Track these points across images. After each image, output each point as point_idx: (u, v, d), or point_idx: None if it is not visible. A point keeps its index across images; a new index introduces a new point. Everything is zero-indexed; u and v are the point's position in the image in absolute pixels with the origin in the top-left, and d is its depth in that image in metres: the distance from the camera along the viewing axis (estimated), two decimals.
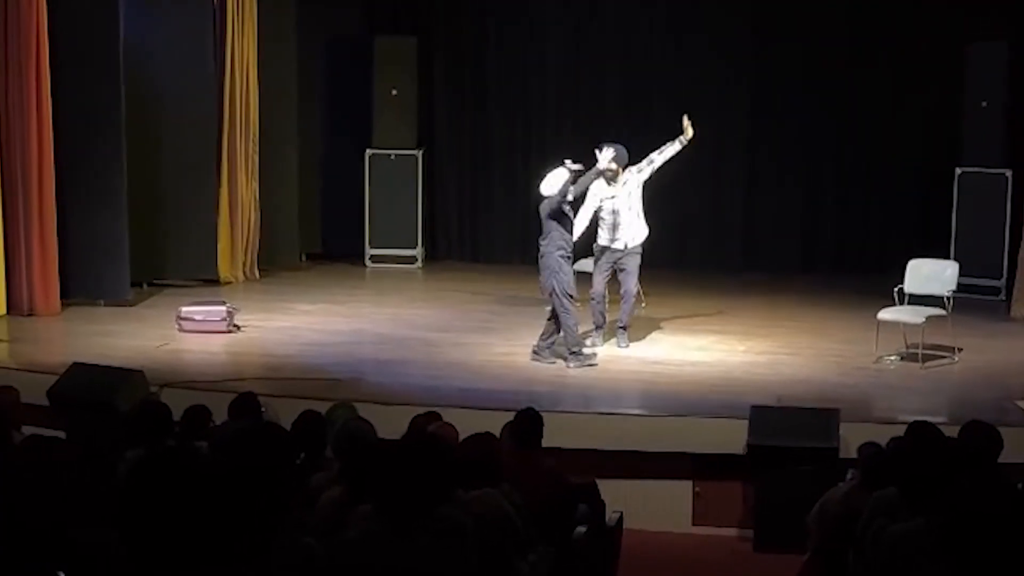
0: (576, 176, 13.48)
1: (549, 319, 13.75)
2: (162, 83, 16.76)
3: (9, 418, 8.68)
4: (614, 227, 14.06)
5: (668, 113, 15.53)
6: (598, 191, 13.97)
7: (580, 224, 14.03)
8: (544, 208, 13.55)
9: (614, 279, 14.31)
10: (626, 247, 14.11)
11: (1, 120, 15.26)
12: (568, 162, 13.66)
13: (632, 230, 14.09)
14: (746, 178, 17.51)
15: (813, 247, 17.14)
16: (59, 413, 10.88)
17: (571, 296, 13.50)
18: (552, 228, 13.54)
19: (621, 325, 14.28)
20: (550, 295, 13.61)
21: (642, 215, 14.14)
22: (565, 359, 13.64)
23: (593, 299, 14.24)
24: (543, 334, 13.77)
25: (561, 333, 13.66)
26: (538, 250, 13.73)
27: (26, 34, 15.11)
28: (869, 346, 13.99)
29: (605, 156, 13.72)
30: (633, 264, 14.14)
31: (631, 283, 14.24)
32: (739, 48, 17.75)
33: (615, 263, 14.17)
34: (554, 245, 13.54)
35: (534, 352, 13.79)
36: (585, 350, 13.76)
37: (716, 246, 16.72)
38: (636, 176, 14.07)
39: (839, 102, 17.32)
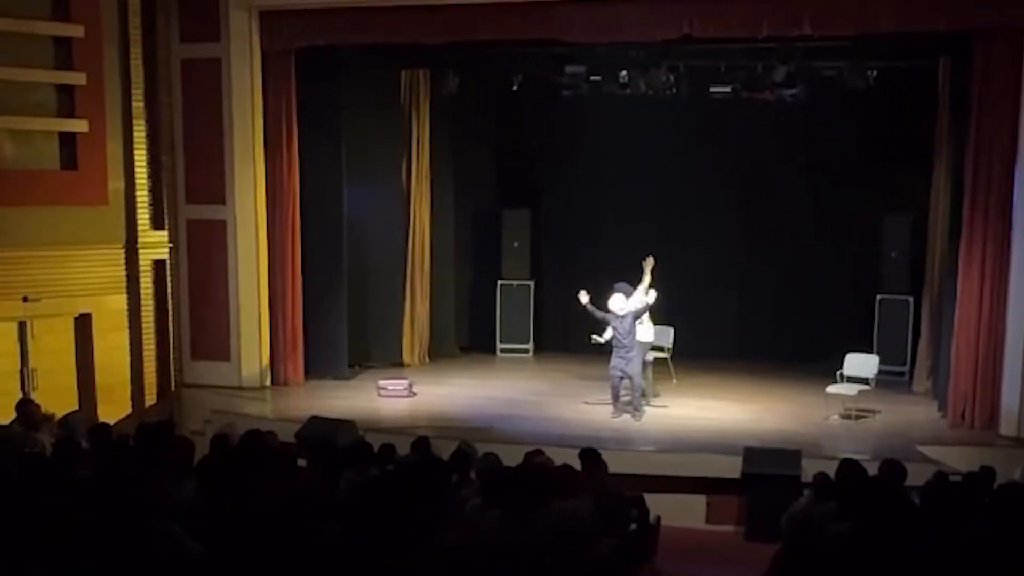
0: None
1: (620, 389, 13.70)
2: (370, 232, 16.77)
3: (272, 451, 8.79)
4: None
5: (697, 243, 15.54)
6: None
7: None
8: (627, 320, 13.47)
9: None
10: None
11: (275, 260, 15.46)
12: (621, 286, 13.77)
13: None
14: (738, 294, 17.21)
15: (784, 342, 16.87)
16: (302, 448, 10.86)
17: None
18: (635, 332, 13.52)
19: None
20: (623, 377, 13.60)
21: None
22: (631, 414, 13.64)
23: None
24: (617, 399, 13.75)
25: (625, 399, 13.67)
26: (614, 343, 13.62)
27: (286, 199, 15.38)
28: (820, 409, 13.89)
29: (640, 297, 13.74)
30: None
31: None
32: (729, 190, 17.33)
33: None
34: (638, 346, 13.58)
35: (616, 409, 13.78)
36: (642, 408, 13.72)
37: (713, 338, 16.39)
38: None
39: (804, 245, 17.02)
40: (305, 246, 15.63)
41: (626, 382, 13.79)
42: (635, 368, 13.64)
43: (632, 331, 13.61)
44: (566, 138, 17.64)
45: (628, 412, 13.78)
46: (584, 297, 13.81)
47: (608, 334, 13.86)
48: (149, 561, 5.16)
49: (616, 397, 13.88)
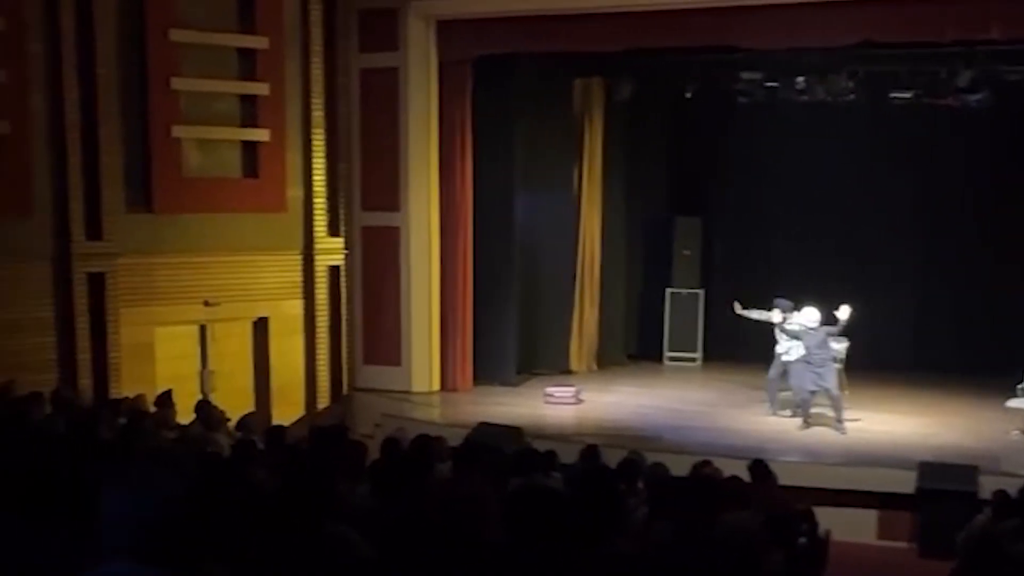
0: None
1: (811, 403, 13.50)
2: (541, 239, 16.89)
3: (441, 456, 8.92)
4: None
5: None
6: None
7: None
8: (820, 333, 13.29)
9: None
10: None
11: (447, 267, 15.70)
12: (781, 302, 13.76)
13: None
14: (915, 304, 16.67)
15: (962, 354, 16.27)
16: (471, 454, 10.90)
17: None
18: (827, 346, 13.34)
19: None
20: (815, 392, 13.39)
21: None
22: (835, 428, 13.37)
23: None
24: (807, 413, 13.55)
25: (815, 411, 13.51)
26: (805, 358, 13.45)
27: (460, 206, 15.60)
28: (999, 424, 13.43)
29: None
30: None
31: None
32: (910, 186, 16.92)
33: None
34: (833, 360, 13.38)
35: (804, 423, 13.55)
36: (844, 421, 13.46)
37: (889, 349, 15.88)
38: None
39: (984, 254, 16.52)
40: (477, 252, 15.84)
41: (813, 396, 13.55)
42: (831, 382, 13.36)
43: (825, 345, 13.37)
44: (740, 145, 17.48)
45: (831, 426, 13.50)
46: (777, 316, 13.71)
47: (755, 314, 14.00)
48: (324, 565, 5.29)
49: (806, 411, 13.63)
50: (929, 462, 11.68)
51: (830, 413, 13.58)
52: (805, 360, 13.48)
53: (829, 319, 13.47)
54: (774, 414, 14.20)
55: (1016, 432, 13.25)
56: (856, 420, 13.72)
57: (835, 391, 13.41)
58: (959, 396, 15.07)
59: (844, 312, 13.23)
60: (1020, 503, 8.00)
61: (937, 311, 16.51)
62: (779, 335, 14.08)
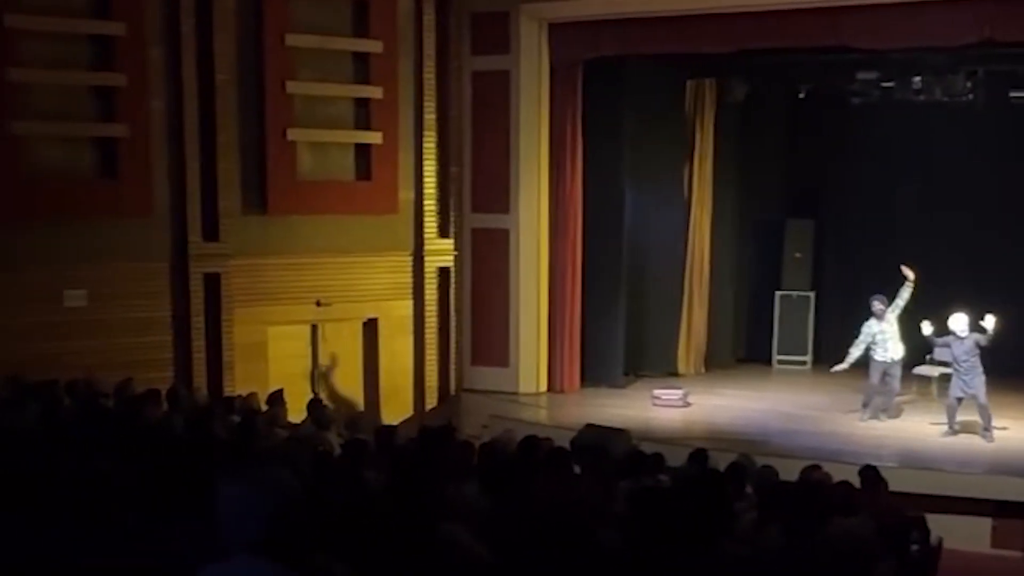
0: None
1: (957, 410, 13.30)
2: (650, 240, 16.86)
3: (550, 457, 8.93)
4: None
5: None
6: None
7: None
8: (968, 341, 13.03)
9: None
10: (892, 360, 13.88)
11: (556, 269, 15.74)
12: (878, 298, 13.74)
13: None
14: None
15: None
16: (577, 455, 10.96)
17: None
18: (976, 354, 13.07)
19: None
20: (962, 399, 13.18)
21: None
22: (982, 434, 13.13)
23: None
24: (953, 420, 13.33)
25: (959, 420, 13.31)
26: (953, 366, 13.27)
27: (569, 209, 15.63)
28: None
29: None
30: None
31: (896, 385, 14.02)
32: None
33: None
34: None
35: (950, 430, 13.33)
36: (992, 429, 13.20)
37: (1006, 353, 15.22)
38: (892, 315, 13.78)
39: None
40: (586, 254, 15.86)
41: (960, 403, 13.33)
42: (979, 389, 13.08)
43: (973, 352, 13.09)
44: (854, 147, 17.21)
45: (979, 434, 13.25)
46: (927, 328, 13.48)
47: (880, 351, 13.81)
48: (438, 565, 5.35)
49: (952, 419, 13.39)
50: None
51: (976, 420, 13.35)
52: (955, 370, 13.26)
53: (942, 328, 13.24)
54: (863, 420, 14.05)
55: None
56: (1004, 428, 13.42)
57: (983, 399, 13.10)
58: None
59: (990, 322, 12.97)
60: None
61: None
62: (874, 336, 13.89)
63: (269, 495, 3.37)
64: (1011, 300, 14.75)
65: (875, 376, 14.06)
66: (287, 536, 3.37)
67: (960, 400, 13.19)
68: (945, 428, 13.34)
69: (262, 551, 3.35)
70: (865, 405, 14.21)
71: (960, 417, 13.33)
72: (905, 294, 13.75)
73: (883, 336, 13.87)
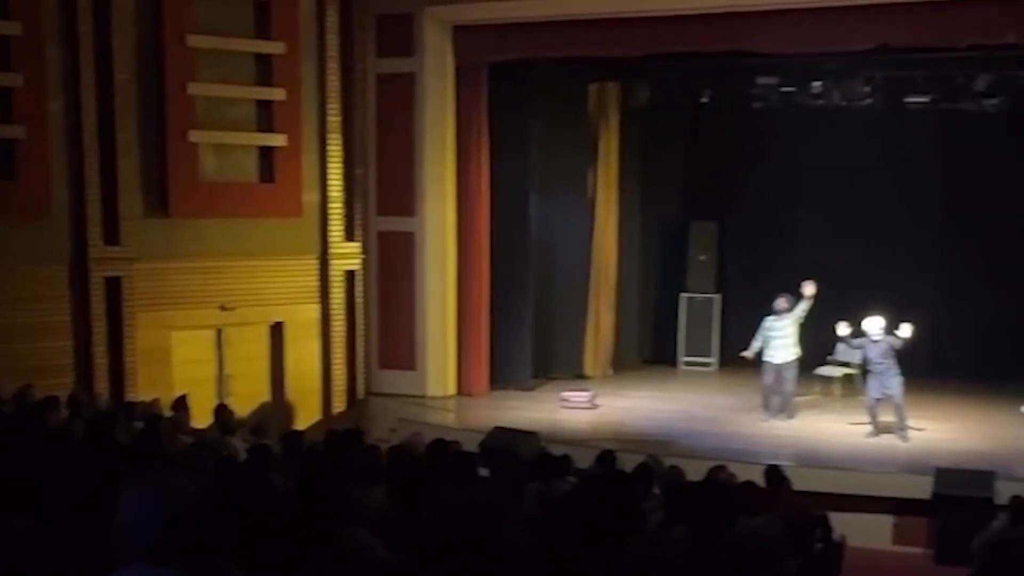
0: None
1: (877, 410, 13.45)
2: (557, 244, 16.90)
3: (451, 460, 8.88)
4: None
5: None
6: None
7: None
8: (883, 344, 13.21)
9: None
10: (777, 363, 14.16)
11: (463, 272, 15.70)
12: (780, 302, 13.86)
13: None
14: (934, 310, 15.94)
15: (981, 360, 16.18)
16: (486, 458, 10.94)
17: None
18: (892, 356, 13.23)
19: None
20: (881, 399, 13.35)
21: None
22: (896, 433, 13.33)
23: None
24: (875, 420, 13.48)
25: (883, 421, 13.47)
26: (869, 367, 13.47)
27: (476, 211, 15.58)
28: (1017, 430, 13.42)
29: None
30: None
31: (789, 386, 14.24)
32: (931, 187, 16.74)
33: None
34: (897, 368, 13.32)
35: (873, 430, 13.48)
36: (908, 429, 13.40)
37: (907, 355, 15.49)
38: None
39: (1003, 260, 16.39)
40: (493, 258, 15.85)
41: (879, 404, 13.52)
42: (896, 391, 13.27)
43: (888, 354, 13.27)
44: (756, 150, 17.42)
45: (893, 434, 13.46)
46: (843, 329, 13.65)
47: (772, 352, 14.06)
48: (343, 569, 5.28)
49: (874, 419, 13.58)
50: (945, 468, 11.64)
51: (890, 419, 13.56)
52: (871, 370, 13.47)
53: (855, 330, 13.50)
54: (764, 421, 14.23)
55: None
56: (921, 430, 13.65)
57: (899, 399, 13.30)
58: (976, 402, 15.02)
59: (906, 330, 13.17)
60: None
61: (955, 317, 16.35)
62: (766, 337, 14.11)
63: (166, 501, 3.28)
64: (908, 301, 15.03)
65: (768, 377, 14.26)
66: (185, 542, 3.30)
67: (879, 400, 13.40)
68: (869, 428, 13.55)
69: (159, 558, 3.27)
70: (765, 406, 14.39)
71: (880, 417, 13.55)
72: (804, 307, 13.93)
73: (773, 335, 14.08)
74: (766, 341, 14.12)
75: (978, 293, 16.54)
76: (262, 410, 11.06)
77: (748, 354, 14.23)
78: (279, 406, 14.63)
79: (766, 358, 14.17)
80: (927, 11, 12.94)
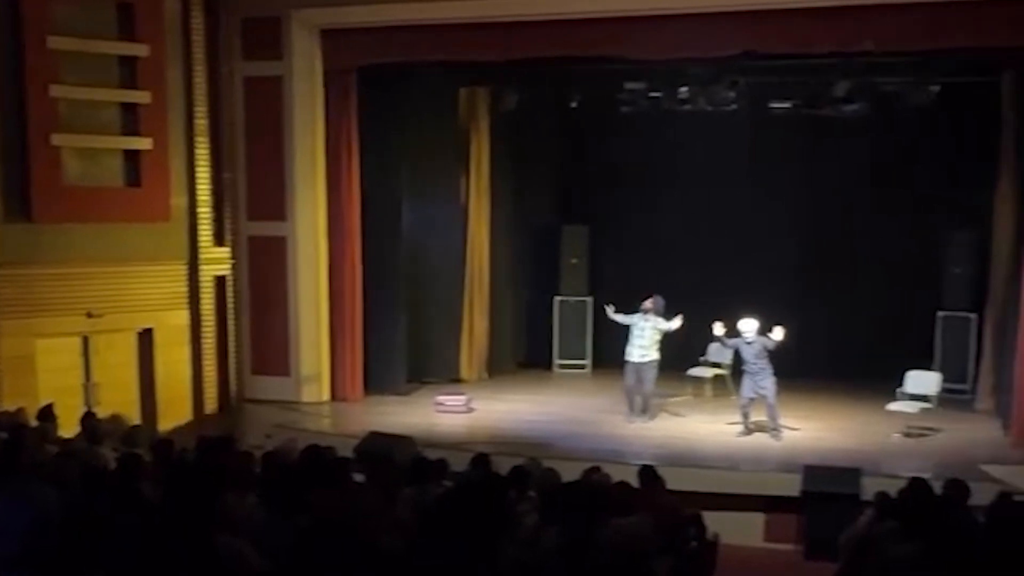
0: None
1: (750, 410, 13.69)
2: (429, 248, 16.88)
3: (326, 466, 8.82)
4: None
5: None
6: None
7: None
8: (756, 344, 13.48)
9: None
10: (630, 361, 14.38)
11: (335, 277, 15.59)
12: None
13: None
14: (798, 311, 15.99)
15: (845, 360, 16.57)
16: (361, 463, 10.81)
17: None
18: (765, 357, 13.50)
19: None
20: (754, 399, 13.58)
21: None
22: (769, 432, 13.58)
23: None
24: (771, 417, 13.67)
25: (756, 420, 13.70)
26: (743, 368, 13.73)
27: (347, 216, 15.48)
28: (881, 427, 13.79)
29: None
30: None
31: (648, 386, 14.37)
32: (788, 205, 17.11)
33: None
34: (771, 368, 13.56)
35: (745, 429, 13.74)
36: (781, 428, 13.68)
37: (773, 355, 15.72)
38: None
39: (865, 261, 16.92)
40: (365, 262, 15.76)
41: (752, 403, 13.76)
42: (769, 391, 13.53)
43: (762, 355, 13.53)
44: (625, 155, 17.60)
45: (766, 433, 13.71)
46: (718, 329, 13.78)
47: (631, 350, 14.26)
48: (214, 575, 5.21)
49: (747, 418, 13.80)
50: (813, 465, 11.88)
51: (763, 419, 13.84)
52: (745, 371, 13.70)
53: (731, 330, 13.74)
54: (629, 422, 14.40)
55: (897, 435, 13.60)
56: (796, 429, 13.94)
57: (772, 399, 13.55)
58: (843, 401, 15.42)
59: (778, 333, 13.42)
60: (900, 505, 8.17)
61: (819, 317, 16.64)
62: (634, 335, 14.29)
63: (27, 511, 3.22)
64: (774, 302, 15.37)
65: (629, 378, 14.41)
66: (47, 552, 3.23)
67: (752, 400, 13.65)
68: (742, 428, 13.79)
69: (20, 567, 3.20)
70: (628, 407, 14.55)
71: (753, 416, 13.81)
72: (672, 325, 14.07)
73: (634, 334, 14.26)
74: (629, 338, 14.30)
75: (838, 294, 16.95)
76: (121, 418, 10.80)
77: (609, 311, 14.42)
78: (146, 414, 14.35)
79: (626, 356, 14.32)
80: (789, 19, 13.25)
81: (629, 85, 15.80)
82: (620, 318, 14.36)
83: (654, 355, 14.24)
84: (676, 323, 13.83)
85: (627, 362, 14.35)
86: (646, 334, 14.20)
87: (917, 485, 8.38)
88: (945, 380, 14.51)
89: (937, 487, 8.56)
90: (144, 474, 8.05)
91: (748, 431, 13.74)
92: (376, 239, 15.84)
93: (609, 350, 17.43)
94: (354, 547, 5.61)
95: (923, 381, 14.05)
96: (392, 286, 16.07)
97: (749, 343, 13.57)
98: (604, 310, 14.58)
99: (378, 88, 15.54)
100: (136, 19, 14.20)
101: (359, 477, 8.84)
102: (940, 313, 16.01)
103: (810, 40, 13.32)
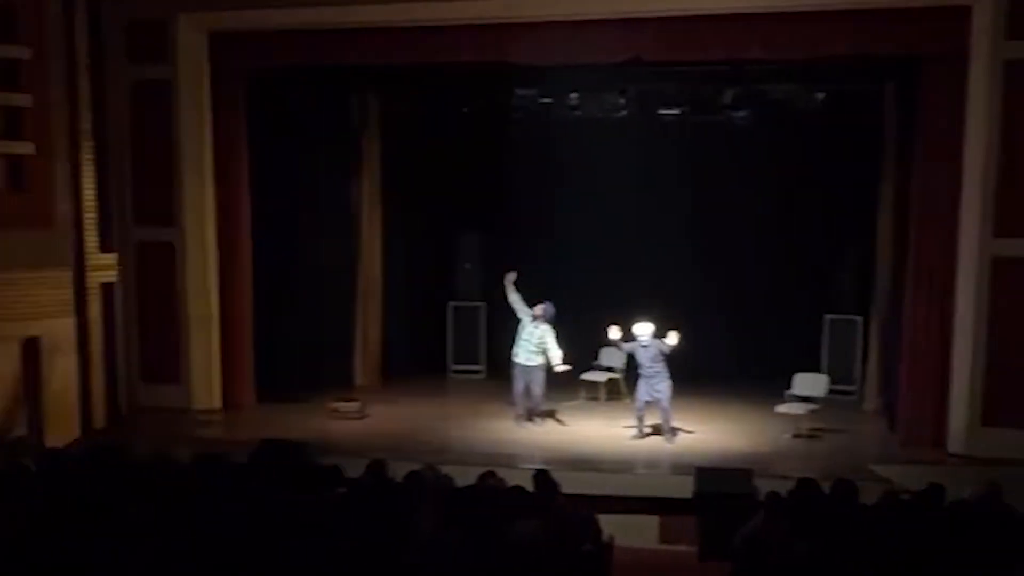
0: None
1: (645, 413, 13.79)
2: (322, 254, 16.71)
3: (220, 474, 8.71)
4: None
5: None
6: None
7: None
8: (655, 347, 13.58)
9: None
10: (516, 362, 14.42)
11: (226, 282, 15.36)
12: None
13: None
14: (689, 315, 15.95)
15: (735, 363, 16.80)
16: (256, 472, 10.71)
17: None
18: (661, 361, 13.62)
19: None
20: (649, 402, 13.67)
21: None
22: (664, 435, 13.70)
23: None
24: (665, 420, 13.78)
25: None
26: (639, 371, 13.79)
27: (237, 221, 15.27)
28: (772, 429, 14.03)
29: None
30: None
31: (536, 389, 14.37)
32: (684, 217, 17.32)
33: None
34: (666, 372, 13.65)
35: (639, 432, 13.86)
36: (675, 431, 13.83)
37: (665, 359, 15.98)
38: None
39: (753, 266, 17.18)
40: (257, 268, 15.56)
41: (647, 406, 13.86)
42: (664, 394, 13.64)
43: (657, 359, 13.64)
44: (518, 160, 17.64)
45: (661, 436, 13.83)
46: (614, 333, 13.83)
47: (518, 351, 14.26)
48: None
49: (641, 422, 13.89)
50: (705, 467, 11.95)
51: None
52: (641, 374, 13.78)
53: (627, 334, 13.84)
54: (520, 426, 14.44)
55: (787, 436, 13.84)
56: (691, 432, 14.08)
57: (666, 403, 13.67)
58: (735, 403, 15.62)
59: (673, 337, 13.57)
60: (791, 505, 8.33)
61: (712, 321, 16.75)
62: (523, 337, 14.33)
63: None
64: (666, 306, 15.56)
65: (518, 382, 14.42)
66: None
67: (648, 403, 13.77)
68: (636, 431, 13.90)
69: None
70: (518, 412, 14.56)
71: (648, 420, 13.94)
72: (530, 326, 14.21)
73: (523, 338, 14.29)
74: (516, 340, 14.33)
75: (730, 299, 17.14)
76: (6, 428, 10.53)
77: (509, 284, 14.42)
78: (32, 424, 13.99)
79: (514, 357, 14.35)
80: (676, 25, 13.38)
81: (520, 91, 15.87)
82: (516, 299, 14.31)
83: (541, 359, 14.27)
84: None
85: (515, 364, 14.35)
86: (533, 339, 14.22)
87: (806, 485, 8.55)
88: (833, 382, 14.86)
89: (826, 487, 8.73)
90: (30, 486, 7.87)
91: (643, 434, 13.87)
92: (269, 245, 15.66)
93: (504, 355, 17.47)
94: (250, 554, 5.54)
95: (811, 383, 14.35)
96: (285, 292, 15.92)
97: (645, 347, 13.69)
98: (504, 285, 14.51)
99: (269, 92, 15.36)
100: (17, 21, 13.81)
101: (253, 484, 8.73)
102: (828, 316, 16.36)
103: (697, 47, 13.49)
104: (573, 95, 15.68)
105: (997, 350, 12.83)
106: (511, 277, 14.31)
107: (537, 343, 14.21)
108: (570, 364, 14.18)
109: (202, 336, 15.23)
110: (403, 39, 14.06)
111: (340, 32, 14.24)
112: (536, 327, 14.18)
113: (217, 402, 15.34)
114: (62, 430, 13.97)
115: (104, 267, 14.84)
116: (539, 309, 14.21)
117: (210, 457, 8.87)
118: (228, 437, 13.77)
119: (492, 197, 18.14)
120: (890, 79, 14.83)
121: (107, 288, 14.91)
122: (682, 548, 11.73)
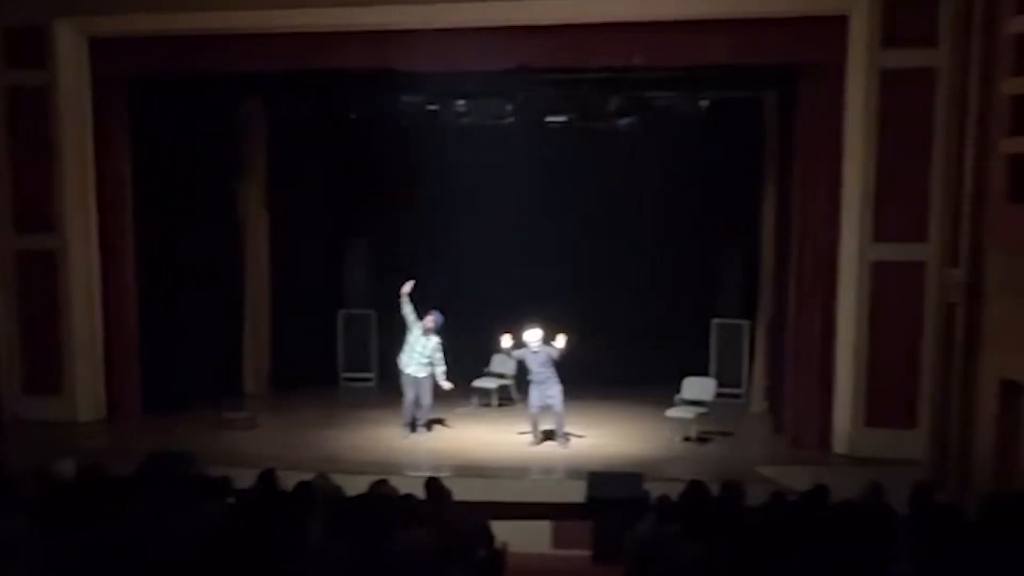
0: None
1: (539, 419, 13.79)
2: (209, 262, 16.45)
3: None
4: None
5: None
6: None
7: None
8: (543, 354, 13.58)
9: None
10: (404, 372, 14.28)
11: (110, 291, 15.05)
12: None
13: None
14: (577, 321, 15.97)
15: (624, 368, 16.86)
16: (141, 482, 10.49)
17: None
18: (550, 366, 13.63)
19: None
20: (543, 408, 13.69)
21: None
22: (557, 439, 13.74)
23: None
24: (558, 425, 13.79)
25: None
26: (529, 377, 13.79)
27: (121, 229, 14.97)
28: (662, 432, 14.17)
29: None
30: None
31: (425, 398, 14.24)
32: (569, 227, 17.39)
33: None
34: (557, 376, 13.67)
35: (535, 438, 13.87)
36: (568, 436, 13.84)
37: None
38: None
39: (641, 272, 17.29)
40: (142, 277, 15.27)
41: (541, 412, 13.86)
42: (556, 399, 13.65)
43: (547, 364, 13.64)
44: (405, 167, 17.57)
45: (554, 441, 13.84)
46: (505, 341, 13.82)
47: (407, 360, 14.09)
48: None
49: (536, 427, 13.88)
50: (597, 471, 12.08)
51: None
52: (531, 380, 13.79)
53: (518, 341, 13.86)
54: (405, 437, 14.32)
55: (677, 439, 13.98)
56: (582, 436, 14.11)
57: (559, 407, 13.69)
58: (625, 408, 15.70)
59: (561, 341, 13.57)
60: (681, 507, 8.39)
61: (601, 326, 16.82)
62: (414, 348, 14.19)
63: None
64: (553, 312, 15.63)
65: (409, 392, 14.27)
66: None
67: (541, 409, 13.79)
68: (531, 437, 13.92)
69: None
70: (406, 421, 14.41)
71: (541, 425, 13.96)
72: (418, 335, 14.09)
73: (411, 346, 14.14)
74: (404, 348, 14.20)
75: (619, 304, 17.31)
76: None
77: (406, 295, 14.21)
78: None
79: (402, 367, 14.20)
80: (560, 33, 13.43)
81: (406, 98, 15.81)
82: (409, 310, 14.17)
83: (428, 371, 14.17)
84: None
85: (404, 374, 14.22)
86: (425, 351, 14.10)
87: (695, 487, 8.62)
88: (721, 385, 15.06)
89: (715, 488, 8.82)
90: None
91: (538, 440, 13.89)
92: (154, 253, 15.39)
93: (394, 363, 17.38)
94: (134, 567, 5.41)
95: (699, 387, 14.53)
96: (171, 301, 15.64)
97: (535, 352, 13.71)
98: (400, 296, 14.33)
99: (153, 99, 15.07)
100: None
101: (140, 496, 8.53)
102: (715, 320, 16.57)
103: (582, 55, 13.59)
104: (460, 102, 15.66)
105: (878, 353, 13.10)
106: (407, 287, 14.17)
107: (427, 354, 14.09)
108: (452, 384, 14.09)
109: (86, 346, 14.89)
110: (286, 45, 13.90)
111: (221, 38, 14.02)
112: (428, 339, 14.05)
113: (102, 413, 15.01)
114: None
115: None
116: (429, 320, 14.05)
117: (91, 469, 8.64)
118: (114, 449, 13.41)
119: (380, 204, 18.06)
120: (771, 87, 15.07)
121: None
122: (576, 552, 11.79)
